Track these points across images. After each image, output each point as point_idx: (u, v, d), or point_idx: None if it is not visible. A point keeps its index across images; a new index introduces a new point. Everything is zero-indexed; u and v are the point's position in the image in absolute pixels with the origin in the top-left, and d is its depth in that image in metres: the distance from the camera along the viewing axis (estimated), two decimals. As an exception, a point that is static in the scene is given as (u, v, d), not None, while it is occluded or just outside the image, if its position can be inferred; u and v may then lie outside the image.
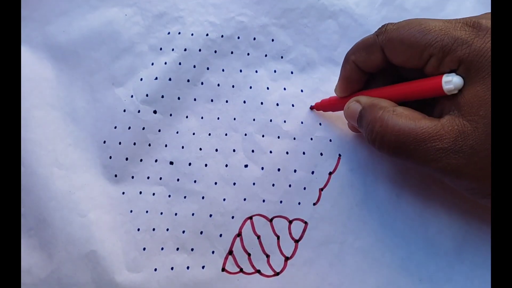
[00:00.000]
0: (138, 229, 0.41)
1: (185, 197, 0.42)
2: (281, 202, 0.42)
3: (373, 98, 0.35)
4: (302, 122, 0.43)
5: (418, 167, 0.33)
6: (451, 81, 0.30)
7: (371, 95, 0.36)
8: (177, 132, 0.43)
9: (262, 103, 0.44)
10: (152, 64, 0.45)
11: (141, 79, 0.44)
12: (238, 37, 0.45)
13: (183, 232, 0.41)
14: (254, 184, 0.42)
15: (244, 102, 0.44)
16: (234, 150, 0.43)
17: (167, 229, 0.41)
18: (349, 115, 0.37)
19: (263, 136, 0.43)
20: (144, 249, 0.41)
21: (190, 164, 0.43)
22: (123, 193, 0.42)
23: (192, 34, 0.45)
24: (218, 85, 0.44)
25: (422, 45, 0.31)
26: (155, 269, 0.40)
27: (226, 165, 0.42)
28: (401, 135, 0.31)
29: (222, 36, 0.45)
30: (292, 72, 0.44)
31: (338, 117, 0.43)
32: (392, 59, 0.34)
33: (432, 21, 0.32)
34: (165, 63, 0.45)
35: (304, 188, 0.42)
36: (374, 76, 0.38)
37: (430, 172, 0.32)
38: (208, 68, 0.45)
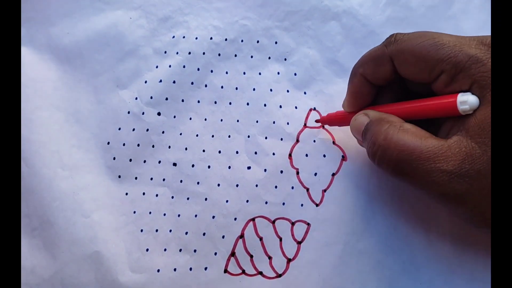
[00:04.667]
0: (141, 230, 0.41)
1: (188, 198, 0.42)
2: (283, 203, 0.41)
3: (382, 113, 0.34)
4: (305, 124, 0.43)
5: (417, 189, 0.31)
6: (466, 101, 0.29)
7: (381, 110, 0.35)
8: (181, 134, 0.43)
9: (265, 105, 0.44)
10: (157, 67, 0.45)
11: (146, 82, 0.45)
12: (242, 40, 0.45)
13: (186, 233, 0.41)
14: (256, 185, 0.42)
15: (248, 104, 0.44)
16: (237, 152, 0.43)
17: (170, 230, 0.41)
18: (355, 128, 0.36)
19: (266, 138, 0.43)
20: (147, 250, 0.41)
21: (193, 165, 0.43)
22: (127, 194, 0.42)
23: (196, 38, 0.46)
24: (222, 87, 0.44)
25: (434, 59, 0.30)
26: (158, 270, 0.40)
27: (229, 167, 0.43)
28: (404, 151, 0.30)
29: (226, 39, 0.45)
30: (295, 74, 0.44)
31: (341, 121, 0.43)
32: (401, 71, 0.33)
33: (446, 36, 0.30)
34: (170, 66, 0.45)
35: (307, 190, 0.42)
36: (383, 90, 0.37)
37: (429, 197, 0.31)
38: (212, 71, 0.45)
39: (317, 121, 0.43)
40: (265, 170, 0.42)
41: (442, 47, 0.30)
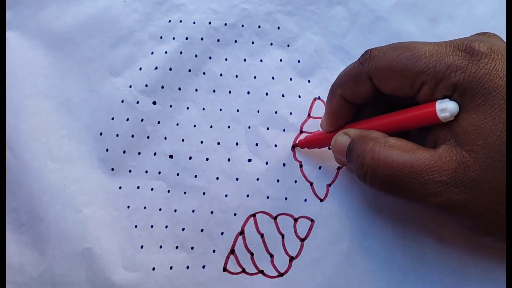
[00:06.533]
0: (136, 226, 0.41)
1: (185, 192, 0.41)
2: (286, 198, 0.41)
3: (363, 130, 0.34)
4: (309, 114, 0.42)
5: (414, 204, 0.31)
6: (446, 108, 0.29)
7: (361, 127, 0.35)
8: (177, 124, 0.43)
9: (267, 94, 0.43)
10: (152, 53, 0.44)
11: (140, 69, 0.44)
12: (242, 25, 0.45)
13: (183, 229, 0.41)
14: (257, 179, 0.41)
15: (248, 92, 0.43)
16: (237, 144, 0.42)
17: (166, 226, 0.41)
18: (337, 150, 0.35)
19: (267, 128, 0.42)
20: (141, 247, 0.41)
21: (190, 158, 0.42)
22: (120, 187, 0.42)
23: (194, 22, 0.45)
24: (221, 75, 0.44)
25: (413, 73, 0.30)
26: (153, 268, 0.40)
27: (229, 159, 0.42)
28: (394, 167, 0.30)
29: (225, 24, 0.45)
30: (299, 61, 0.44)
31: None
32: (382, 88, 0.33)
33: (421, 46, 0.31)
34: (166, 52, 0.44)
35: (311, 184, 0.41)
36: (363, 106, 0.37)
37: (427, 209, 0.31)
38: (210, 58, 0.44)
39: (295, 145, 0.42)
40: (266, 163, 0.42)
41: (419, 58, 0.30)
